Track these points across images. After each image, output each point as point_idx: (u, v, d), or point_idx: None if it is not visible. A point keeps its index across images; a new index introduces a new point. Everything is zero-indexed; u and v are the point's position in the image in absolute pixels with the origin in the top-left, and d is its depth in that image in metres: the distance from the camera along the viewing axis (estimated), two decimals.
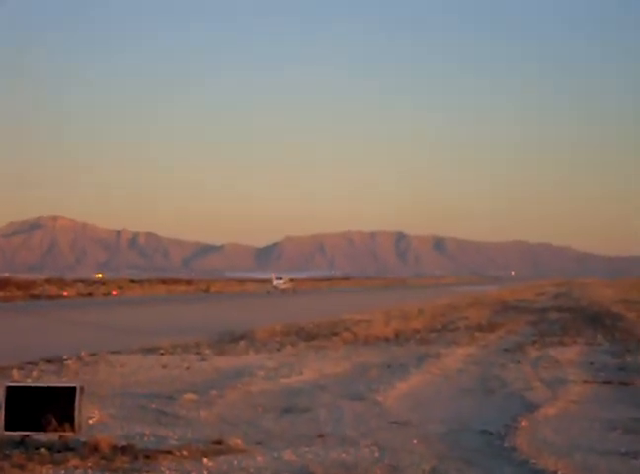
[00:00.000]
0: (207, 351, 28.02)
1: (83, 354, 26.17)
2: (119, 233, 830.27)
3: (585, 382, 20.93)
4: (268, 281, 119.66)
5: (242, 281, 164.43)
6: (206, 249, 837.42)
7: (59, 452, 12.20)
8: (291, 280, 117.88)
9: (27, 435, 12.57)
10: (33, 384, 14.02)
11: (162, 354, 27.09)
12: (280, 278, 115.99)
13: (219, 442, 13.04)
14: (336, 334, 34.39)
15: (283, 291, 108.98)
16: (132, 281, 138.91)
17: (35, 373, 21.41)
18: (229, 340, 32.30)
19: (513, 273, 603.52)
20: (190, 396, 17.79)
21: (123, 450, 12.37)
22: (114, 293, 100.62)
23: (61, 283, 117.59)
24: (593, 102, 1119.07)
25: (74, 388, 12.67)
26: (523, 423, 15.10)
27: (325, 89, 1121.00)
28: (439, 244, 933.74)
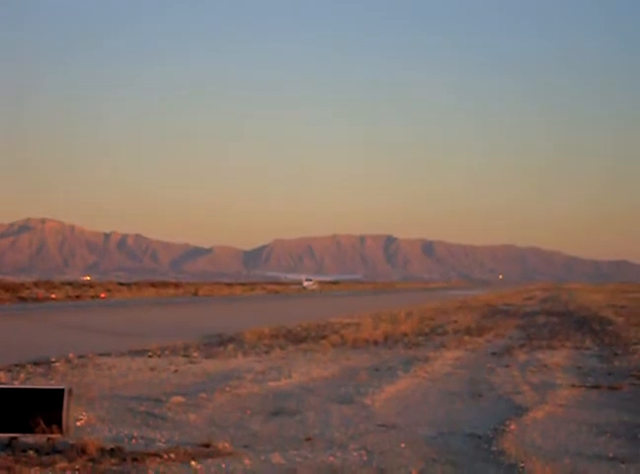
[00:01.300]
0: (196, 353, 27.98)
1: (71, 356, 26.12)
2: (107, 235, 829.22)
3: (573, 386, 20.95)
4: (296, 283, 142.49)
5: (231, 285, 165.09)
6: (195, 251, 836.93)
7: (47, 454, 12.16)
8: (319, 282, 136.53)
9: (14, 438, 12.52)
10: (20, 386, 13.93)
11: (150, 356, 27.03)
12: (310, 280, 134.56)
13: (207, 445, 13.02)
14: (324, 337, 34.39)
15: (312, 291, 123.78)
16: (121, 284, 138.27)
17: (22, 375, 21.32)
18: (217, 343, 32.26)
19: (501, 276, 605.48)
20: (178, 399, 17.75)
21: (111, 453, 12.33)
22: (102, 296, 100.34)
23: (49, 286, 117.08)
24: (575, 106, 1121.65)
25: (62, 390, 12.62)
26: (512, 426, 15.10)
27: (315, 92, 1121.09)
28: (427, 247, 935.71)
